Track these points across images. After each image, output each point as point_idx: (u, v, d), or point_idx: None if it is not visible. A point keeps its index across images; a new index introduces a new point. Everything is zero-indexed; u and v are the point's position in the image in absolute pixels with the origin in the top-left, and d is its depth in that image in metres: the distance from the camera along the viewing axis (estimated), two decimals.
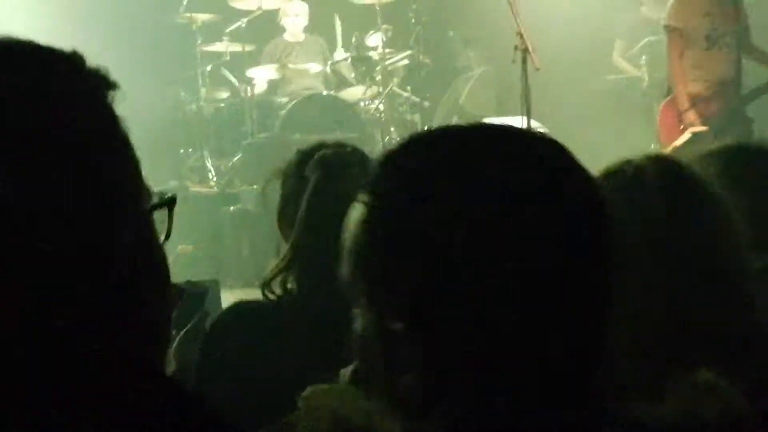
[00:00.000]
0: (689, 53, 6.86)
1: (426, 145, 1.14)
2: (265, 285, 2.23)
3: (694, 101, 6.81)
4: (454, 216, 1.04)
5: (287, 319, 2.14)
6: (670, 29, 6.94)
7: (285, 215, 2.35)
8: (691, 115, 6.78)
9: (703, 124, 6.76)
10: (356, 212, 1.13)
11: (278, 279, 2.22)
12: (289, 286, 2.22)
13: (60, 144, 0.90)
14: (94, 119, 0.94)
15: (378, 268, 1.08)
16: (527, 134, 1.18)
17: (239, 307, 2.28)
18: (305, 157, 2.38)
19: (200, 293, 2.47)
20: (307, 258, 2.20)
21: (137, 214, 0.98)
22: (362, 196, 1.12)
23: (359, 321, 1.11)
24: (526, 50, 6.21)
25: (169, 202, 1.05)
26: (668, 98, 7.04)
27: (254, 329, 2.15)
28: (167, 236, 1.05)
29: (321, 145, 2.44)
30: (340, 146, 2.46)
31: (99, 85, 0.96)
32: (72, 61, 0.95)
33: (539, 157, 1.12)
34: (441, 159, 1.10)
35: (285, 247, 2.28)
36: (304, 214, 2.22)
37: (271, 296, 2.22)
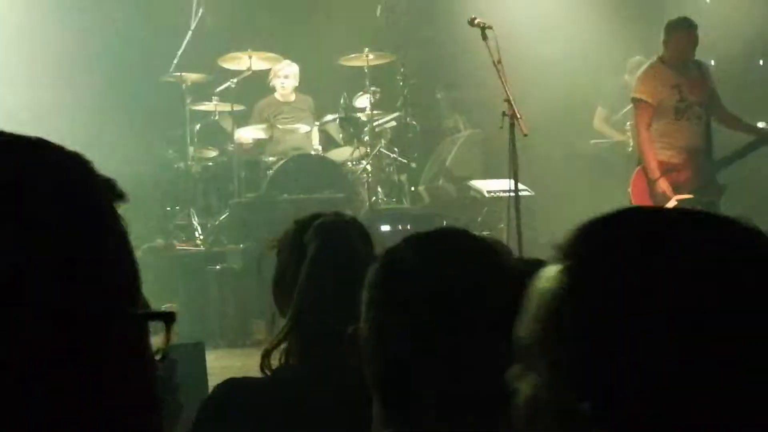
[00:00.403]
0: (658, 124, 6.95)
1: (632, 218, 1.07)
2: (264, 358, 2.14)
3: (665, 170, 6.89)
4: (669, 296, 0.96)
5: (288, 396, 2.05)
6: (638, 101, 7.05)
7: (282, 285, 2.30)
8: (662, 184, 6.85)
9: (676, 191, 6.84)
10: (547, 274, 1.05)
11: (277, 351, 2.16)
12: (287, 359, 2.15)
13: (65, 243, 0.88)
14: (101, 224, 0.92)
15: (575, 340, 0.99)
16: (722, 219, 1.07)
17: (232, 385, 2.15)
18: (303, 226, 2.35)
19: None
20: (308, 329, 2.13)
21: (130, 321, 0.92)
22: (560, 261, 1.04)
23: (525, 390, 1.03)
24: (513, 116, 6.27)
25: (167, 317, 0.97)
26: (638, 168, 7.12)
27: (250, 410, 2.03)
28: (163, 357, 0.99)
29: (318, 214, 2.41)
30: (338, 215, 2.43)
31: (109, 195, 0.94)
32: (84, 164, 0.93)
33: (748, 243, 1.03)
34: (652, 235, 1.02)
35: (280, 318, 2.25)
36: (304, 284, 2.18)
37: (268, 371, 2.14)
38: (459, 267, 1.49)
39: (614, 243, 1.02)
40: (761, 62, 9.59)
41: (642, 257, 0.99)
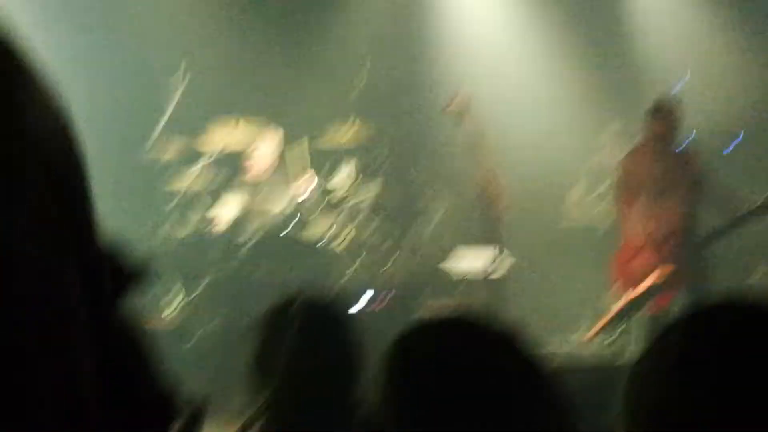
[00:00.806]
0: (641, 202, 7.02)
1: None
2: None
3: (647, 247, 6.94)
4: None
5: None
6: (621, 180, 7.14)
7: (260, 365, 2.28)
8: (641, 260, 6.89)
9: (658, 266, 6.87)
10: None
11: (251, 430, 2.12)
12: None
13: None
14: None
15: None
16: None
17: None
18: (282, 307, 2.32)
19: None
20: (287, 409, 2.11)
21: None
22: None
23: None
24: (490, 194, 6.26)
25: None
26: (620, 246, 7.20)
27: None
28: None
29: (299, 294, 2.37)
30: (319, 297, 2.40)
31: None
32: None
33: None
34: None
35: (257, 395, 2.20)
36: (285, 363, 2.15)
37: None
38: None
39: None
40: (734, 143, 9.67)
41: None
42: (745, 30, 9.72)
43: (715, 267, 7.16)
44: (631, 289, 6.93)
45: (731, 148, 9.22)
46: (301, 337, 2.17)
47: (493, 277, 6.52)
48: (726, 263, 7.81)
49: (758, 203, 6.92)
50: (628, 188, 7.08)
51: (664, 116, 7.00)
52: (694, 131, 9.53)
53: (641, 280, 6.89)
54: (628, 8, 10.37)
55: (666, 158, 7.04)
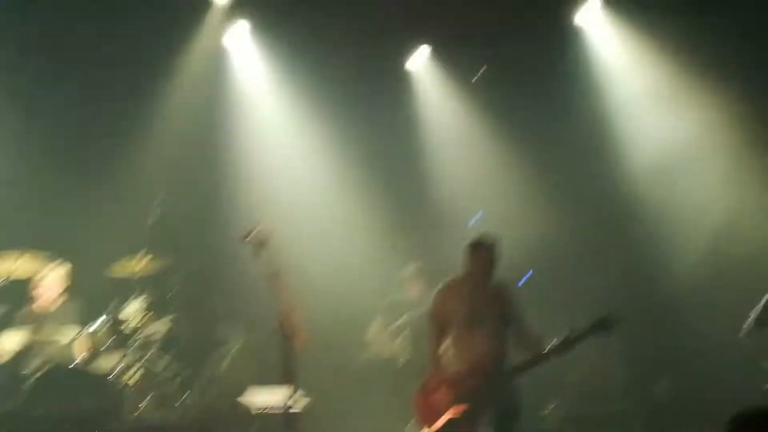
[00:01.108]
0: (451, 335, 7.13)
1: None
2: None
3: (451, 381, 7.00)
4: None
5: None
6: (431, 315, 7.23)
7: None
8: (442, 394, 6.94)
9: (461, 399, 6.92)
10: None
11: None
12: None
13: None
14: None
15: None
16: None
17: None
18: None
19: None
20: None
21: None
22: None
23: None
24: (288, 330, 6.18)
25: None
26: (426, 376, 7.23)
27: None
28: None
29: None
30: None
31: None
32: None
33: None
34: None
35: None
36: None
37: None
38: None
39: None
40: (524, 279, 10.00)
41: None
42: (529, 166, 10.20)
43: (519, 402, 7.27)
44: (429, 424, 6.94)
45: (522, 282, 9.54)
46: None
47: (292, 411, 6.37)
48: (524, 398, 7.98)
49: (556, 342, 7.15)
50: (439, 322, 7.17)
51: (480, 253, 7.16)
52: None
53: (441, 415, 6.91)
54: (425, 147, 10.68)
55: (481, 293, 7.17)
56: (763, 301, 7.90)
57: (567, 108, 10.21)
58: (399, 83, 10.81)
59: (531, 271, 9.88)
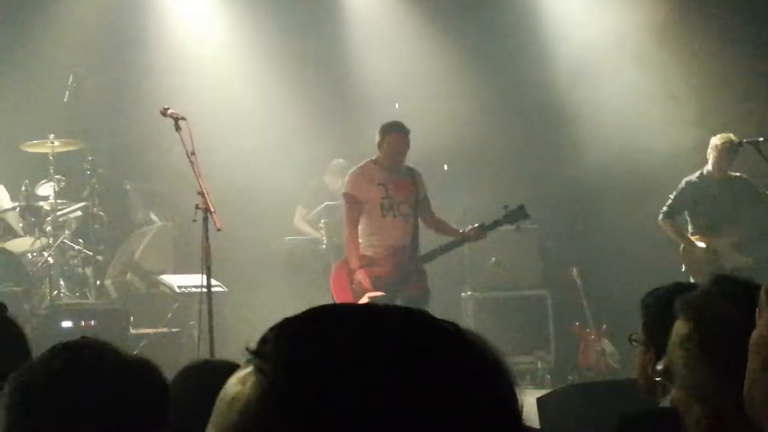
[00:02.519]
0: (365, 220, 7.21)
1: (326, 321, 1.02)
2: None
3: (366, 263, 7.10)
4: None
5: None
6: (347, 197, 7.27)
7: None
8: (359, 275, 7.04)
9: (374, 283, 7.03)
10: (240, 378, 0.99)
11: None
12: None
13: None
14: None
15: None
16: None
17: None
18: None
19: None
20: None
21: None
22: (254, 363, 0.98)
23: None
24: (207, 210, 6.13)
25: None
26: (341, 259, 7.34)
27: None
28: None
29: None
30: None
31: None
32: None
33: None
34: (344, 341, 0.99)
35: None
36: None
37: None
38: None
39: (311, 347, 0.97)
40: (446, 167, 10.05)
41: (337, 368, 0.96)
42: (452, 61, 10.15)
43: (432, 284, 7.41)
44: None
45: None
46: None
47: (214, 289, 6.37)
48: (440, 281, 8.11)
49: (470, 227, 7.33)
50: (354, 205, 7.20)
51: (396, 137, 7.18)
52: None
53: (357, 298, 6.99)
54: (349, 39, 10.53)
55: (394, 177, 7.22)
56: (674, 192, 8.14)
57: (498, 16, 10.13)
58: None
59: (445, 167, 9.96)
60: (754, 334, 1.69)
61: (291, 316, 1.00)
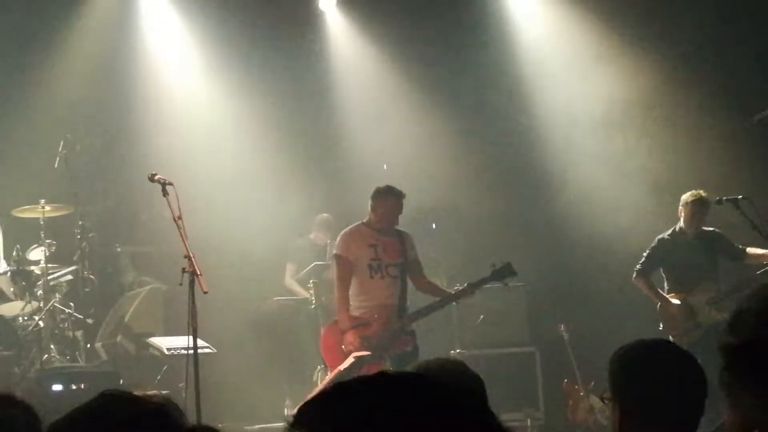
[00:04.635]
0: (354, 281, 7.28)
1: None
2: None
3: (355, 324, 7.14)
4: None
5: None
6: (338, 258, 7.35)
7: None
8: (349, 337, 7.08)
9: (363, 344, 7.07)
10: None
11: None
12: None
13: None
14: None
15: None
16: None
17: None
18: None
19: None
20: None
21: None
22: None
23: None
24: (194, 272, 6.19)
25: None
26: (330, 323, 7.40)
27: None
28: None
29: None
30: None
31: None
32: None
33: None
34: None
35: None
36: None
37: None
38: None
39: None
40: (434, 225, 10.15)
41: None
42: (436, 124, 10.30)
43: (421, 342, 7.46)
44: (335, 366, 7.06)
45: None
46: None
47: (202, 351, 6.41)
48: (429, 339, 8.16)
49: (458, 288, 7.42)
50: (345, 266, 7.27)
51: (387, 202, 7.28)
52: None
53: (347, 357, 7.04)
54: (337, 101, 10.68)
55: (385, 239, 7.31)
56: (648, 250, 8.21)
57: (482, 61, 10.28)
58: (309, 24, 10.73)
59: (433, 225, 10.08)
60: None
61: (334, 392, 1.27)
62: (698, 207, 8.00)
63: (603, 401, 2.96)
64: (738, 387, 1.59)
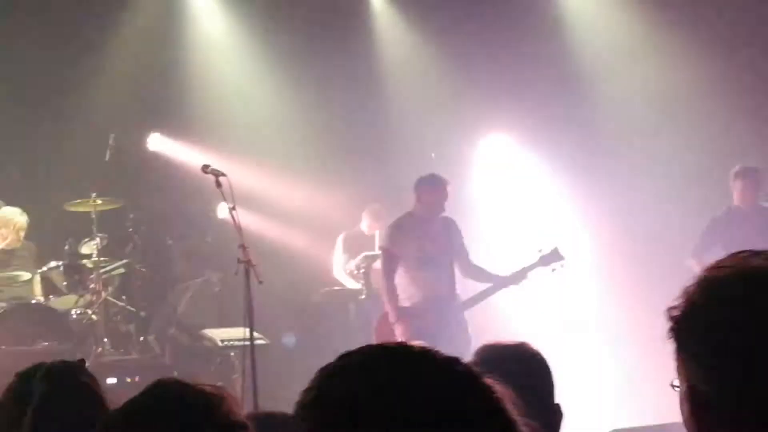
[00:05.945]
0: (402, 272, 7.25)
1: None
2: None
3: (406, 316, 7.12)
4: None
5: None
6: (383, 251, 7.34)
7: None
8: (399, 329, 7.07)
9: (417, 336, 7.04)
10: None
11: None
12: None
13: None
14: None
15: None
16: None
17: None
18: (25, 377, 2.18)
19: None
20: None
21: None
22: None
23: None
24: (248, 263, 6.19)
25: None
26: (383, 313, 7.38)
27: None
28: None
29: (41, 363, 2.25)
30: (66, 361, 2.28)
31: None
32: None
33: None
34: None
35: None
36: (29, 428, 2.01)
37: None
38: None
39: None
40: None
41: None
42: None
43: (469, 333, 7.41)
44: None
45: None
46: (44, 410, 2.04)
47: (256, 343, 6.43)
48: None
49: (508, 273, 7.36)
50: (392, 257, 7.26)
51: (432, 191, 7.26)
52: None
53: None
54: (385, 89, 10.65)
55: (431, 228, 7.28)
56: (702, 231, 8.00)
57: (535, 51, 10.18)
58: (358, 17, 10.71)
59: None
60: None
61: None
62: (749, 178, 7.78)
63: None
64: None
